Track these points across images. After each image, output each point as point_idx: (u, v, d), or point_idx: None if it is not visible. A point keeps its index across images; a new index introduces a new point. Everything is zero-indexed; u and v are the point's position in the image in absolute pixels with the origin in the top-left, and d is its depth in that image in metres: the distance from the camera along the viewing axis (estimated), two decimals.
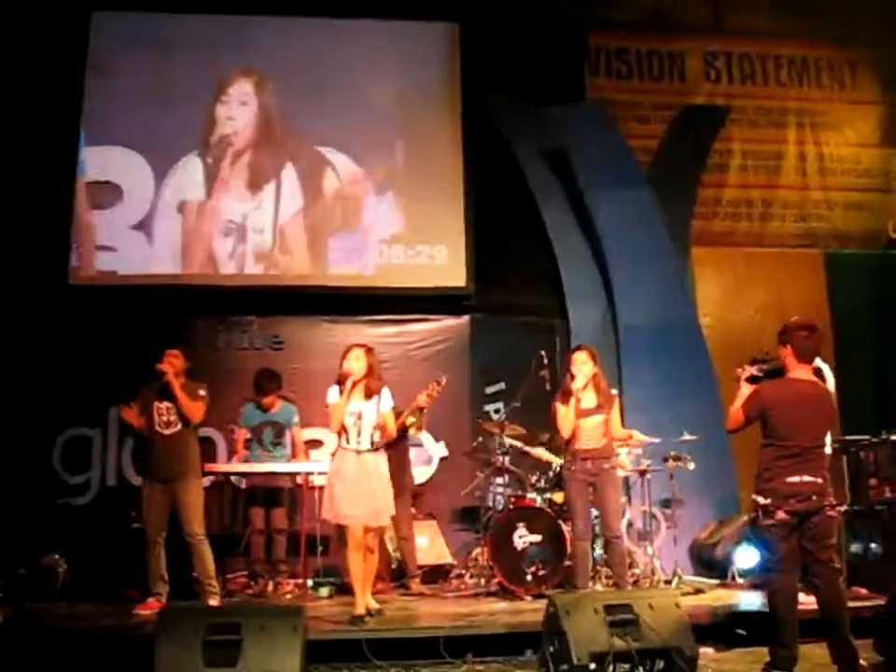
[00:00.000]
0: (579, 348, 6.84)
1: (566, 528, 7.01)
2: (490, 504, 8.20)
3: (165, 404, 6.58)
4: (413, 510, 7.93)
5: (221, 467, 7.81)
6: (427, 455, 8.93)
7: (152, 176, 9.61)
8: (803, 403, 5.00)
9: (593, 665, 4.48)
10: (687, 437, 7.58)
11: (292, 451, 7.87)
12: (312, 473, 7.30)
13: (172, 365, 6.56)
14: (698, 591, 7.17)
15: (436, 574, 8.01)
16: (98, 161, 9.56)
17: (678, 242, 9.84)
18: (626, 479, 7.74)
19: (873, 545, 6.91)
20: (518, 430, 7.91)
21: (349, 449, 6.04)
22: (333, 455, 6.20)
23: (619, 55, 10.83)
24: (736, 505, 8.47)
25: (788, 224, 10.82)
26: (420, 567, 7.74)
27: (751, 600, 6.56)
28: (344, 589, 6.96)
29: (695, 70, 10.97)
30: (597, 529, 7.05)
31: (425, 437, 8.54)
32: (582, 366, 6.54)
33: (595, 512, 6.82)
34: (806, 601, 5.16)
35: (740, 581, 7.49)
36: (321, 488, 6.54)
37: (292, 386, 8.39)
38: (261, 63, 9.92)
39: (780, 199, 10.85)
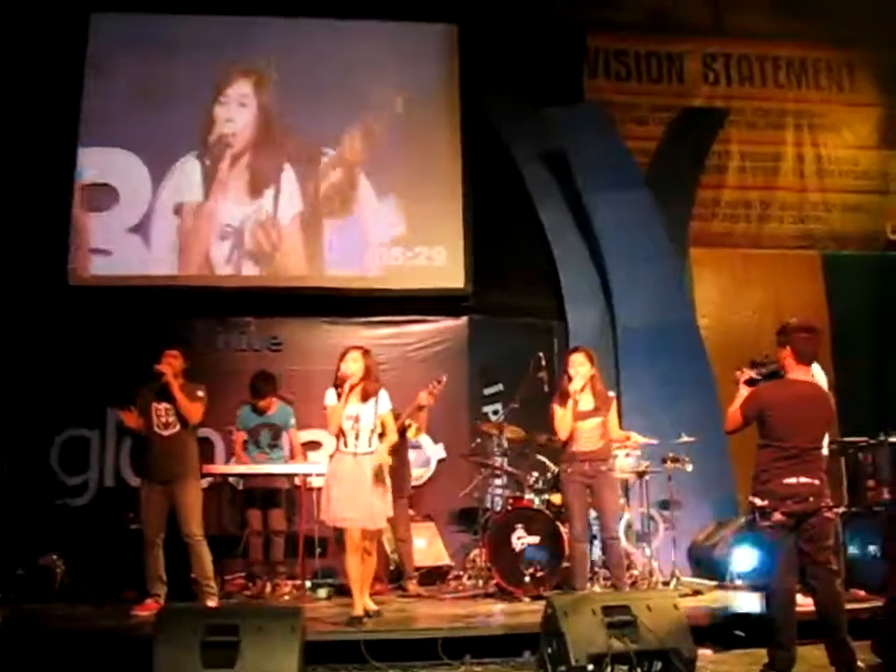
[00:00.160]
0: (576, 350, 6.84)
1: (564, 530, 7.01)
2: (488, 505, 8.19)
3: (164, 405, 6.57)
4: (411, 511, 7.94)
5: (220, 468, 7.81)
6: (426, 457, 8.94)
7: (149, 178, 9.56)
8: (801, 404, 5.01)
9: (591, 667, 4.49)
10: (685, 438, 7.58)
11: (289, 452, 7.87)
12: (310, 475, 7.31)
13: (171, 366, 6.56)
14: (696, 592, 7.17)
15: (434, 575, 8.00)
16: (95, 163, 9.50)
17: (676, 243, 9.85)
18: (625, 482, 7.73)
19: (871, 547, 6.91)
20: (516, 432, 7.92)
21: (347, 452, 6.04)
22: (331, 457, 6.19)
23: (617, 57, 10.82)
24: (735, 506, 8.46)
25: (786, 225, 10.83)
26: (418, 569, 7.75)
27: (749, 602, 6.54)
28: (342, 590, 6.97)
29: (694, 72, 10.97)
30: (595, 531, 7.05)
31: (423, 438, 8.53)
32: (580, 367, 6.54)
33: (593, 514, 6.81)
34: (804, 603, 5.16)
35: (738, 582, 7.47)
36: (319, 490, 6.54)
37: (291, 388, 8.41)
38: (261, 65, 9.88)
39: (779, 200, 10.85)
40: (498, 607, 6.87)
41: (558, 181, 9.91)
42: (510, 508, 7.57)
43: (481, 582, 7.58)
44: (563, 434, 6.52)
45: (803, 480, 4.90)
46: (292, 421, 7.84)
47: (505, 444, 7.93)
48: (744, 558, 7.41)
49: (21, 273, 8.86)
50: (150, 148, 9.59)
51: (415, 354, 9.31)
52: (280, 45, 9.86)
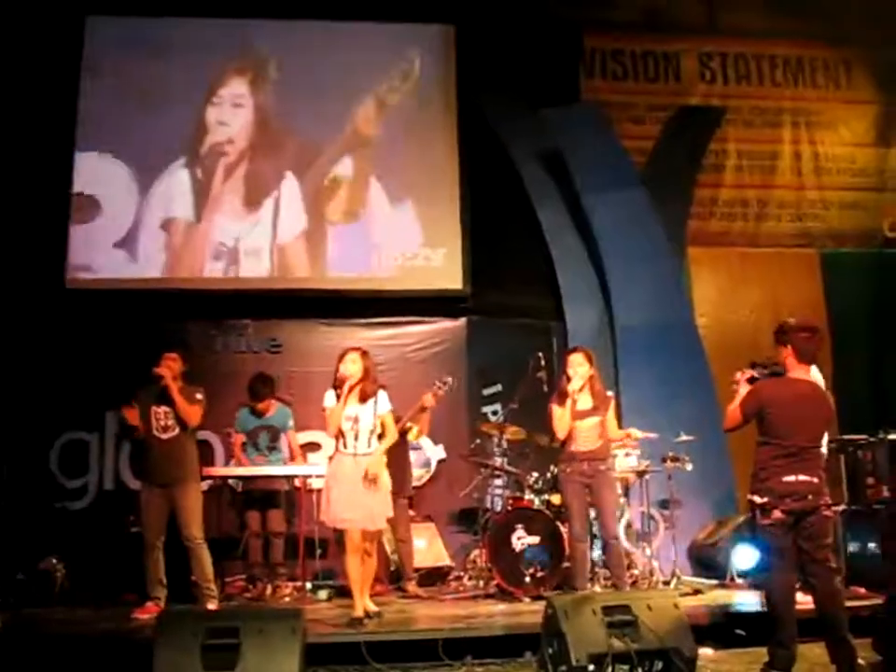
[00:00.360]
0: (575, 350, 6.84)
1: (564, 530, 7.01)
2: (488, 506, 8.20)
3: (163, 408, 6.57)
4: (411, 512, 7.93)
5: (219, 471, 7.80)
6: (426, 458, 8.94)
7: (136, 189, 9.38)
8: (801, 403, 5.01)
9: (591, 667, 4.49)
10: (684, 437, 7.59)
11: (288, 454, 7.87)
12: (310, 476, 7.31)
13: (169, 368, 6.56)
14: (697, 591, 7.16)
15: (434, 576, 8.00)
16: (83, 170, 9.35)
17: (674, 242, 9.86)
18: (625, 482, 7.72)
19: (870, 544, 6.92)
20: (516, 432, 7.92)
21: (346, 453, 6.03)
22: (331, 458, 6.19)
23: (614, 56, 10.83)
24: (734, 505, 8.46)
25: (783, 224, 10.83)
26: (418, 570, 7.74)
27: (750, 600, 6.57)
28: (343, 592, 6.97)
29: (690, 71, 10.98)
30: (595, 530, 7.05)
31: (423, 439, 8.52)
32: (579, 367, 6.54)
33: (593, 514, 6.81)
34: (804, 601, 5.16)
35: (738, 581, 7.48)
36: (319, 491, 6.54)
37: (290, 390, 8.42)
38: (257, 62, 9.81)
39: (776, 199, 10.86)
40: (499, 607, 6.87)
41: (556, 181, 9.92)
42: (510, 508, 7.57)
43: (481, 583, 7.58)
44: (561, 434, 6.52)
45: (802, 478, 4.91)
46: (290, 423, 7.83)
47: (505, 444, 7.93)
48: (744, 557, 7.42)
49: (18, 277, 8.86)
50: (136, 155, 9.41)
51: (414, 355, 9.32)
52: (276, 47, 9.84)
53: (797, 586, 5.09)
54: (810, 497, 4.90)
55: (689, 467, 7.59)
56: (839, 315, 10.06)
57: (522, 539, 7.18)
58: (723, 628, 5.90)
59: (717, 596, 7.03)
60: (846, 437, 7.35)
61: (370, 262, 9.62)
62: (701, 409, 8.48)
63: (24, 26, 9.29)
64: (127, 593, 6.94)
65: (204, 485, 6.95)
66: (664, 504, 7.97)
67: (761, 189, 10.85)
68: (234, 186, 9.58)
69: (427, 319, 9.50)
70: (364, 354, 6.19)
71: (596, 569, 7.28)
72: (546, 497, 7.53)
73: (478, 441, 8.36)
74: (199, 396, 6.63)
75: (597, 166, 9.67)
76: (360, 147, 9.81)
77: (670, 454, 7.60)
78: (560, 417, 6.51)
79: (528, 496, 7.58)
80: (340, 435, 6.05)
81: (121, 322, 8.87)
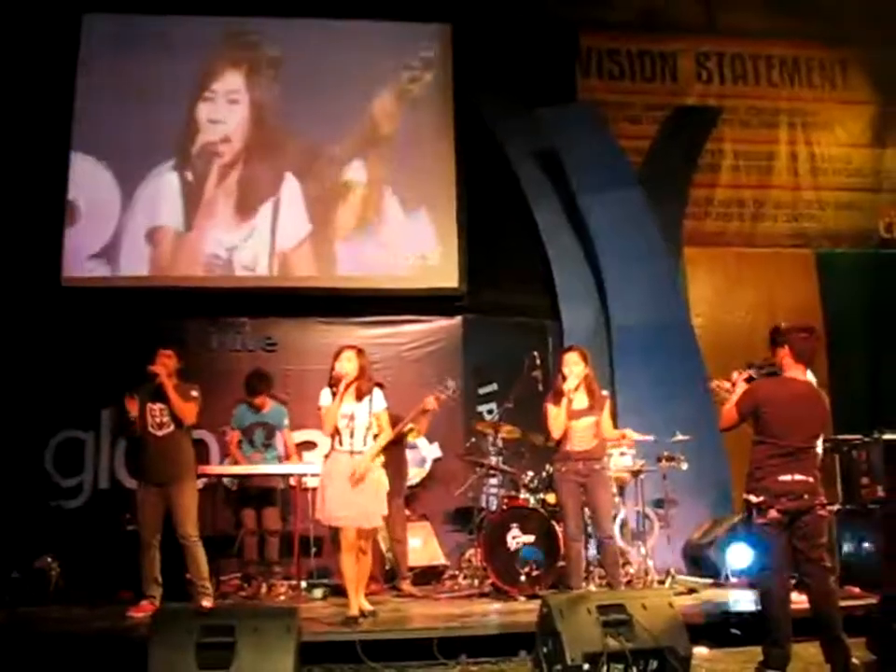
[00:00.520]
0: (570, 349, 6.84)
1: (559, 529, 7.02)
2: (483, 505, 8.21)
3: (158, 406, 6.56)
4: (406, 511, 7.93)
5: (214, 469, 7.80)
6: (421, 457, 8.93)
7: (118, 194, 9.16)
8: (797, 402, 5.02)
9: (586, 666, 4.49)
10: (680, 437, 7.60)
11: (283, 452, 7.86)
12: (305, 475, 7.31)
13: (165, 366, 6.55)
14: (691, 591, 7.17)
15: (429, 575, 8.00)
16: (73, 171, 9.13)
17: (670, 242, 9.87)
18: (621, 481, 7.72)
19: (865, 544, 6.93)
20: (511, 431, 7.92)
21: (342, 451, 6.04)
22: (326, 456, 6.19)
23: (610, 56, 10.83)
24: (730, 505, 8.47)
25: (779, 224, 10.84)
26: (412, 569, 7.74)
27: (744, 599, 6.56)
28: (338, 590, 6.96)
29: (687, 70, 10.98)
30: (590, 530, 7.05)
31: (418, 438, 8.53)
32: (574, 367, 6.53)
33: (588, 513, 6.81)
34: (799, 600, 5.17)
35: (733, 580, 7.48)
36: (314, 490, 6.54)
37: (286, 388, 8.42)
38: (253, 56, 9.71)
39: (772, 199, 10.86)
40: (494, 606, 6.87)
41: (552, 180, 9.92)
42: (505, 507, 7.57)
43: (476, 582, 7.58)
44: (556, 433, 6.52)
45: (797, 477, 4.92)
46: (286, 421, 7.83)
47: (500, 443, 7.93)
48: (738, 556, 7.42)
49: (13, 275, 8.84)
50: (120, 157, 9.16)
51: (410, 353, 9.31)
52: (272, 43, 9.78)
53: (792, 585, 5.10)
54: (806, 496, 4.91)
55: (684, 466, 7.60)
56: (835, 316, 10.08)
57: (517, 538, 7.18)
58: (718, 627, 5.92)
59: (711, 596, 7.03)
60: (840, 437, 7.36)
61: (368, 262, 9.60)
62: (697, 409, 8.48)
63: (23, 24, 9.26)
64: (122, 591, 6.93)
65: (199, 483, 6.94)
66: (659, 503, 7.98)
67: (757, 190, 10.85)
68: (228, 190, 9.38)
69: (422, 318, 9.49)
70: (360, 352, 6.20)
71: (591, 568, 7.28)
72: (541, 496, 7.53)
73: (473, 439, 8.35)
74: (194, 393, 6.62)
75: (594, 166, 9.67)
76: (362, 147, 9.76)
77: (665, 453, 7.61)
78: (555, 417, 6.51)
79: (523, 495, 7.58)
80: (335, 433, 6.06)
81: (117, 320, 8.85)
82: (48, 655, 5.31)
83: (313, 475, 7.00)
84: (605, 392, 6.87)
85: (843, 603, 5.24)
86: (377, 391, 6.18)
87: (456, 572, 8.02)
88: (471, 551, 7.92)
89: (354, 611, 5.98)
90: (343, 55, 9.75)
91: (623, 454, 7.63)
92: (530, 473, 7.71)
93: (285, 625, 4.46)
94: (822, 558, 4.96)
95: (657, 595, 5.18)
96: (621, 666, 4.58)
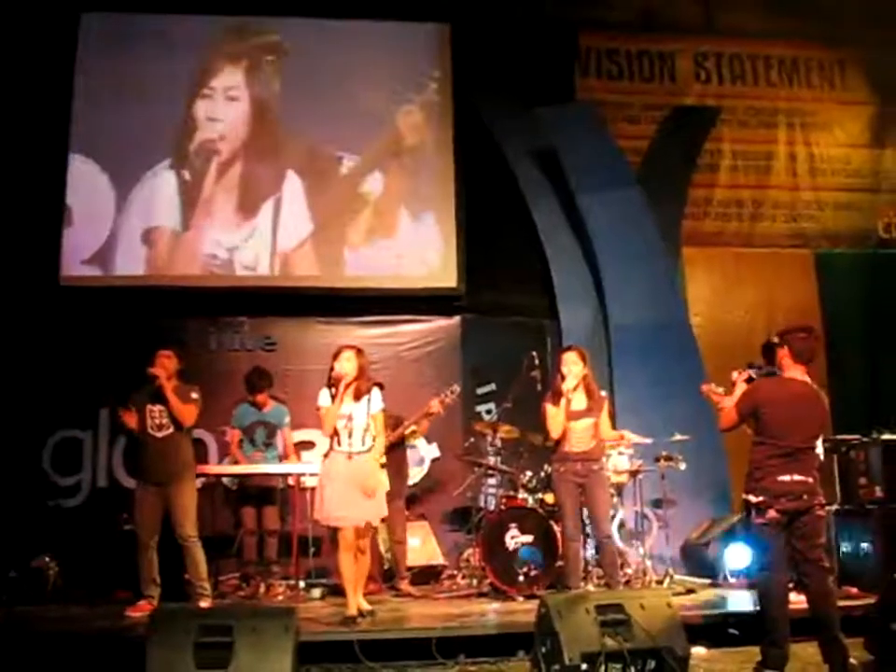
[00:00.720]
0: (569, 348, 6.84)
1: (557, 529, 7.01)
2: (482, 505, 8.21)
3: (158, 407, 6.55)
4: (405, 512, 7.93)
5: (214, 468, 7.79)
6: (419, 456, 8.93)
7: (115, 194, 9.12)
8: (796, 402, 5.02)
9: (584, 666, 4.48)
10: (678, 437, 7.60)
11: (283, 452, 7.86)
12: (304, 475, 7.30)
13: (164, 367, 6.53)
14: (690, 591, 7.18)
15: (427, 575, 8.00)
16: (70, 172, 9.10)
17: (668, 242, 9.86)
18: (618, 483, 7.72)
19: (863, 544, 6.93)
20: (510, 431, 7.92)
21: (341, 451, 6.04)
22: (325, 456, 6.19)
23: (609, 56, 10.83)
24: (728, 505, 8.47)
25: (778, 224, 10.84)
26: (411, 568, 7.74)
27: (742, 600, 6.57)
28: (336, 590, 6.96)
29: (686, 70, 10.98)
30: (589, 530, 7.05)
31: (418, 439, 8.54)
32: (573, 366, 6.53)
33: (586, 513, 6.80)
34: (797, 600, 5.18)
35: (731, 580, 7.49)
36: (313, 490, 6.54)
37: (285, 388, 8.40)
38: (253, 52, 9.69)
39: (771, 199, 10.86)
40: (492, 606, 6.87)
41: (550, 180, 9.92)
42: (503, 507, 7.57)
43: (475, 582, 7.58)
44: (555, 433, 6.51)
45: (797, 477, 4.93)
46: (287, 420, 7.83)
47: (498, 443, 7.92)
48: (737, 556, 7.43)
49: (11, 273, 8.83)
50: (117, 156, 9.11)
51: (408, 353, 9.31)
52: (273, 44, 9.77)
53: (790, 586, 5.10)
54: (805, 496, 4.92)
55: (682, 466, 7.60)
56: (833, 316, 10.09)
57: (515, 538, 7.18)
58: (716, 627, 5.92)
59: (710, 596, 7.05)
60: (838, 437, 7.36)
61: (368, 262, 9.59)
62: (695, 409, 8.43)
63: (21, 22, 9.25)
64: (120, 590, 6.94)
65: (198, 483, 6.93)
66: (657, 503, 7.98)
67: (755, 190, 10.85)
68: (228, 188, 9.35)
69: (421, 318, 9.49)
70: (359, 352, 6.20)
71: (590, 568, 7.29)
72: (540, 495, 7.54)
73: (472, 439, 8.36)
74: (194, 395, 6.61)
75: (592, 165, 9.66)
76: (357, 144, 9.76)
77: (663, 453, 7.61)
78: (554, 417, 6.50)
79: (522, 494, 7.58)
80: (334, 433, 6.05)
81: (115, 319, 8.85)
82: (45, 655, 5.31)
83: (311, 475, 6.99)
84: (603, 393, 6.87)
85: (841, 603, 5.25)
86: (376, 391, 6.17)
87: (455, 572, 8.02)
88: (470, 550, 7.92)
89: (352, 611, 5.97)
90: (342, 54, 9.73)
91: (620, 453, 7.63)
92: (529, 473, 7.71)
93: (283, 625, 4.46)
94: (821, 558, 4.97)
95: (655, 595, 5.17)
96: (619, 666, 4.58)
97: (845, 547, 7.07)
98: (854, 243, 10.86)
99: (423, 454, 8.97)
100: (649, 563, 7.54)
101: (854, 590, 6.55)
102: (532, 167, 9.99)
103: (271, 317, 9.30)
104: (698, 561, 8.05)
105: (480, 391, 9.26)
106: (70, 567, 7.47)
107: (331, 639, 5.51)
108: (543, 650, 4.71)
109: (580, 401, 6.54)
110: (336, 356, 6.15)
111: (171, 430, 6.54)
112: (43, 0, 9.40)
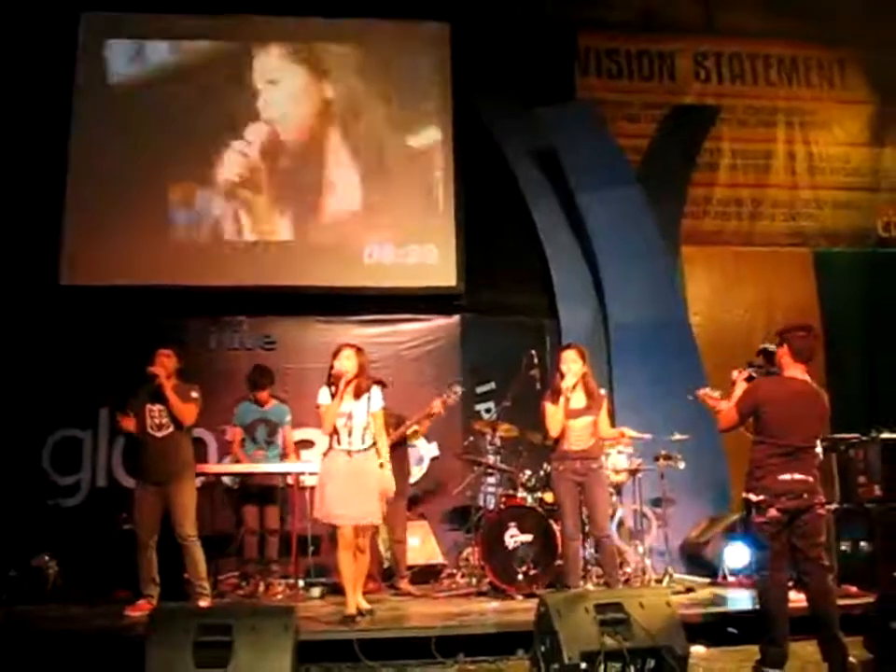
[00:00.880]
0: (568, 346, 6.84)
1: (556, 528, 7.01)
2: (481, 503, 8.21)
3: (157, 406, 6.54)
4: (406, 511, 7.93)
5: (213, 468, 7.79)
6: (419, 455, 8.92)
7: (117, 194, 9.26)
8: (796, 401, 5.02)
9: (584, 665, 4.48)
10: (678, 436, 7.60)
11: (284, 450, 7.86)
12: (303, 473, 7.30)
13: (164, 366, 6.53)
14: (689, 589, 7.18)
15: (427, 574, 8.00)
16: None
17: (668, 241, 9.86)
18: (617, 482, 7.72)
19: (862, 543, 6.93)
20: (509, 430, 7.92)
21: (340, 449, 6.04)
22: (325, 455, 6.19)
23: (609, 55, 10.82)
24: (727, 504, 8.48)
25: (777, 223, 10.84)
26: (410, 567, 7.74)
27: (742, 598, 6.58)
28: (336, 589, 6.97)
29: (685, 70, 10.98)
30: (588, 528, 7.05)
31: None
32: (572, 364, 6.53)
33: (585, 512, 6.81)
34: (797, 598, 5.18)
35: (731, 579, 7.50)
36: (312, 488, 6.54)
37: (284, 386, 8.39)
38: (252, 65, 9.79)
39: (770, 198, 10.86)
40: (492, 605, 6.86)
41: (550, 179, 9.91)
42: (503, 506, 7.57)
43: (474, 580, 7.58)
44: (554, 432, 6.52)
45: (797, 476, 4.93)
46: (288, 418, 7.84)
47: (498, 442, 7.93)
48: (736, 555, 7.43)
49: (11, 273, 8.83)
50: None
51: (408, 352, 9.31)
52: (272, 43, 9.80)
53: (790, 584, 5.11)
54: (805, 495, 4.92)
55: (681, 465, 7.60)
56: (832, 315, 10.09)
57: (515, 537, 7.18)
58: (716, 626, 5.92)
59: (709, 594, 7.05)
60: (837, 435, 7.36)
61: (363, 259, 9.58)
62: (695, 408, 8.40)
63: (22, 22, 9.25)
64: (119, 590, 6.94)
65: (198, 482, 6.93)
66: (656, 502, 7.98)
67: (755, 188, 10.85)
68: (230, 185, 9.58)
69: (420, 317, 9.48)
70: (358, 350, 6.21)
71: (589, 567, 7.28)
72: (539, 494, 7.53)
73: (471, 438, 8.37)
74: (194, 394, 6.61)
75: (592, 164, 9.66)
76: (353, 146, 9.77)
77: (663, 452, 7.61)
78: (553, 415, 6.51)
79: (521, 493, 7.58)
80: (334, 431, 6.06)
81: (115, 318, 8.85)
82: (45, 654, 5.31)
83: (311, 473, 6.99)
84: (602, 391, 6.87)
85: (840, 602, 5.25)
86: (376, 390, 6.17)
87: (454, 571, 8.02)
88: (469, 549, 7.92)
89: (351, 610, 5.98)
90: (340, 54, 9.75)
91: (619, 452, 7.63)
92: (528, 472, 7.71)
93: (282, 624, 4.46)
94: (821, 557, 4.97)
95: (655, 594, 5.17)
96: (618, 665, 4.58)
97: (844, 546, 7.06)
98: (853, 241, 10.86)
99: (422, 452, 8.96)
100: (648, 562, 7.54)
101: (853, 588, 6.55)
102: (532, 167, 9.99)
103: (270, 316, 9.29)
104: (697, 560, 8.06)
105: (479, 390, 9.26)
106: (70, 567, 7.47)
107: (331, 638, 5.51)
108: (542, 648, 4.71)
109: (579, 400, 6.55)
110: (336, 354, 6.15)
111: (171, 430, 6.54)
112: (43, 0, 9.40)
